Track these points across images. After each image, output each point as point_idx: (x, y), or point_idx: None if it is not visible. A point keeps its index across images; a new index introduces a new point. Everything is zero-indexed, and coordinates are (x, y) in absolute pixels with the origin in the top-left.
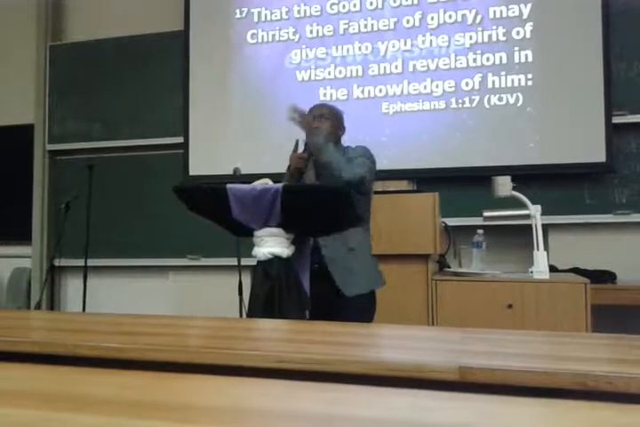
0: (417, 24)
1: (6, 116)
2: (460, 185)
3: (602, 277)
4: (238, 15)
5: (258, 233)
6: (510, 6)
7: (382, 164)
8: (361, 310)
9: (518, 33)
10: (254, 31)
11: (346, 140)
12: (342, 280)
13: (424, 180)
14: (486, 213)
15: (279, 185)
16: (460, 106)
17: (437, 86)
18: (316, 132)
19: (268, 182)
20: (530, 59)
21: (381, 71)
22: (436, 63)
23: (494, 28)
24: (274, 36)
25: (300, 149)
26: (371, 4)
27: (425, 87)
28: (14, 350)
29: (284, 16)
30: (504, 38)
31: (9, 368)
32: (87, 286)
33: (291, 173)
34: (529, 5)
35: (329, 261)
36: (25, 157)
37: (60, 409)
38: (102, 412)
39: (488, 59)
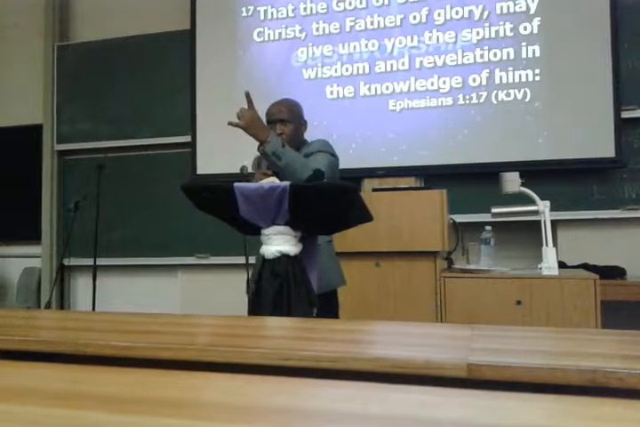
0: (423, 20)
1: (15, 117)
2: (468, 181)
3: (611, 273)
4: (244, 13)
5: (265, 231)
6: (517, 1)
7: (390, 160)
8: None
9: (525, 28)
10: (261, 29)
11: (357, 136)
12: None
13: (432, 176)
14: (494, 210)
15: (286, 183)
16: (468, 102)
17: (444, 83)
18: (268, 137)
19: (275, 181)
20: (537, 54)
21: (388, 68)
22: (442, 59)
23: (501, 23)
24: (280, 33)
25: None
26: (377, 0)
27: (432, 84)
28: (24, 348)
29: (291, 14)
30: (511, 34)
31: (19, 367)
32: (96, 285)
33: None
34: (536, 0)
35: None
36: (34, 157)
37: (69, 407)
38: (111, 409)
39: (495, 54)
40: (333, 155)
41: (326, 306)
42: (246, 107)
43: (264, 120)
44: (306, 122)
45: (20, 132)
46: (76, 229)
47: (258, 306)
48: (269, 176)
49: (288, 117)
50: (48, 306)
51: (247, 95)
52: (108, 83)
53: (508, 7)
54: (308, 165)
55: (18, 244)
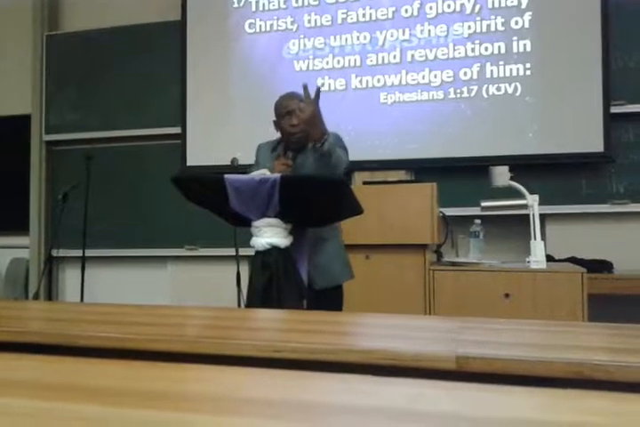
0: (415, 13)
1: (3, 107)
2: (458, 175)
3: (598, 267)
4: (236, 4)
5: (256, 223)
6: None
7: (381, 154)
8: (327, 303)
9: (517, 22)
10: (252, 21)
11: (348, 129)
12: (309, 273)
13: (422, 170)
14: (484, 203)
15: (277, 175)
16: (459, 96)
17: (436, 76)
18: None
19: (266, 173)
20: (528, 48)
21: (380, 61)
22: (434, 53)
23: (493, 17)
24: (272, 25)
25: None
26: None
27: (423, 77)
28: (12, 340)
29: (282, 5)
30: (503, 28)
31: (7, 359)
32: (85, 277)
33: None
34: None
35: None
36: (22, 147)
37: (58, 399)
38: (101, 402)
39: (486, 48)
40: (346, 150)
41: (328, 301)
42: (310, 101)
43: (275, 114)
44: None
45: (8, 122)
46: (64, 220)
47: (248, 297)
48: (290, 167)
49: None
50: (36, 297)
51: (318, 90)
52: (98, 73)
53: (500, 1)
54: (345, 161)
55: (5, 234)
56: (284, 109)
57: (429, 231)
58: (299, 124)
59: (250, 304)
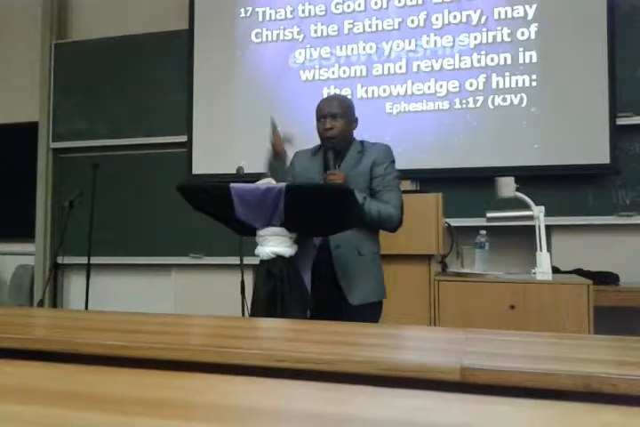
0: (421, 24)
1: (11, 114)
2: (464, 186)
3: (604, 279)
4: (243, 14)
5: (261, 232)
6: (515, 7)
7: None
8: (363, 319)
9: (523, 34)
10: (259, 30)
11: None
12: (348, 286)
13: (427, 180)
14: (489, 214)
15: (283, 185)
16: (464, 106)
17: (441, 87)
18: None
19: (272, 182)
20: (534, 59)
21: (385, 71)
22: (440, 63)
23: (499, 28)
24: (278, 35)
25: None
26: (375, 3)
27: (429, 87)
28: (17, 347)
29: (289, 15)
30: (508, 39)
31: (12, 365)
32: (90, 284)
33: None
34: (534, 6)
35: (338, 262)
36: (29, 154)
37: (62, 406)
38: (104, 409)
39: (492, 59)
40: (394, 161)
41: (359, 319)
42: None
43: (314, 116)
44: (357, 119)
45: (15, 129)
46: (70, 228)
47: (252, 306)
48: (343, 174)
49: (339, 112)
50: (41, 304)
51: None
52: (105, 81)
53: (506, 12)
54: (397, 211)
55: (11, 241)
56: (319, 113)
57: (435, 242)
58: (332, 129)
59: (254, 313)
